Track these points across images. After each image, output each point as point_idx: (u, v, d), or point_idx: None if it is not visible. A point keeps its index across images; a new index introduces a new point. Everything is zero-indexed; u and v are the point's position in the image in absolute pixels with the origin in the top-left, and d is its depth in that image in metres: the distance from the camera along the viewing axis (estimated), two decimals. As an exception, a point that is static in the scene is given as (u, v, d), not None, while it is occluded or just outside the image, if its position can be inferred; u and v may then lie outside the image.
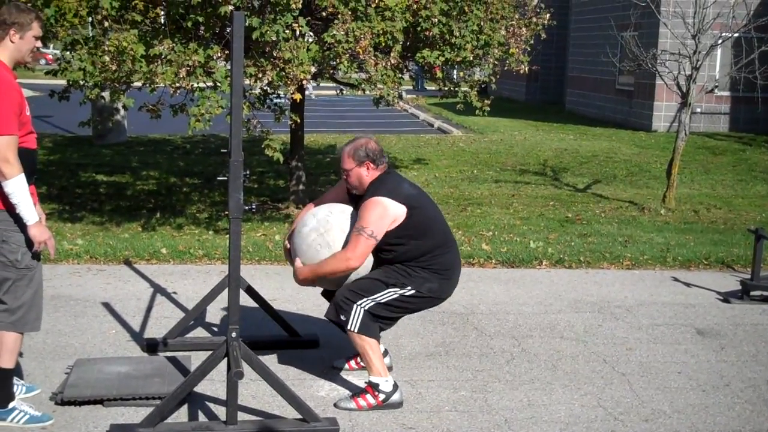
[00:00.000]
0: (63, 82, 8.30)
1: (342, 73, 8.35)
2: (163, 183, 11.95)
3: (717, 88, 18.21)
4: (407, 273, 4.71)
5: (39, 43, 4.34)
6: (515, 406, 4.77)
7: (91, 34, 8.40)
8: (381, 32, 7.81)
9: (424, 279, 4.72)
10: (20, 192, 4.10)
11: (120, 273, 7.29)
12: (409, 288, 4.70)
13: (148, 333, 5.78)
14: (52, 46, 24.69)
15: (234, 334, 4.17)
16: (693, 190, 12.57)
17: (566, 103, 27.12)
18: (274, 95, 9.40)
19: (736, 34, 11.69)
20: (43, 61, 42.47)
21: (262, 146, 8.06)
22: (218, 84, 7.73)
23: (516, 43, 8.92)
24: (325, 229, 4.69)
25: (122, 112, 15.93)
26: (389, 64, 7.92)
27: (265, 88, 8.79)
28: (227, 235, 4.86)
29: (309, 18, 8.18)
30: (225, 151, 4.40)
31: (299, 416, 4.32)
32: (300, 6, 7.51)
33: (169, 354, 5.29)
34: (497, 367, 5.35)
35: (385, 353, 5.13)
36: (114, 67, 7.55)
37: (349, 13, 7.78)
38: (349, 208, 4.83)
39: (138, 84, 8.00)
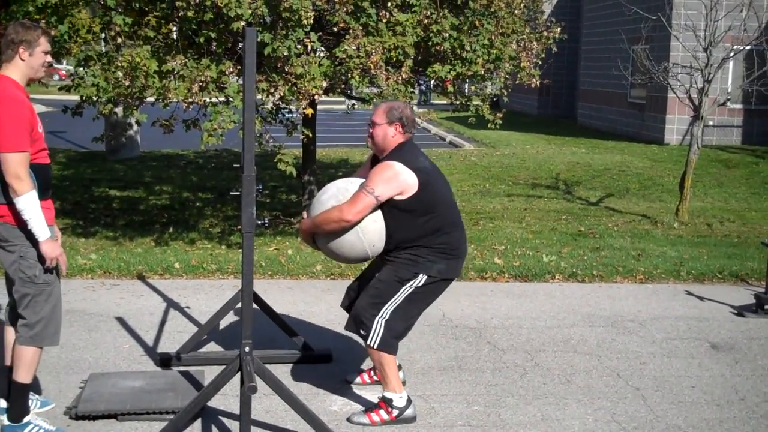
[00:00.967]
0: (76, 97, 8.35)
1: (354, 88, 8.37)
2: (175, 198, 11.99)
3: (729, 101, 18.18)
4: (414, 260, 4.65)
5: (49, 58, 4.39)
6: (529, 421, 4.75)
7: (104, 50, 8.46)
8: (392, 47, 7.84)
9: (432, 261, 4.66)
10: (31, 208, 4.14)
11: (133, 287, 7.31)
12: (421, 275, 4.65)
13: (161, 347, 5.79)
14: (65, 62, 24.86)
15: (247, 349, 4.18)
16: (706, 203, 12.53)
17: (578, 117, 27.10)
18: (286, 110, 9.43)
19: (748, 47, 11.69)
20: (56, 77, 42.74)
21: (275, 161, 8.08)
22: (230, 99, 7.77)
23: (527, 56, 8.91)
24: (344, 196, 4.66)
25: (135, 127, 16.01)
26: (401, 78, 7.94)
27: (277, 102, 8.81)
28: (240, 250, 4.88)
29: (320, 33, 8.21)
30: (237, 165, 4.42)
31: (313, 431, 4.31)
32: (311, 21, 7.54)
33: (182, 368, 5.29)
34: (510, 382, 5.34)
35: (399, 367, 5.12)
36: (127, 83, 7.59)
37: (361, 28, 7.81)
38: None
39: (151, 99, 8.04)
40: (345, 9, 7.75)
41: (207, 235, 9.38)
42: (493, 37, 8.45)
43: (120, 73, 7.59)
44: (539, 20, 10.20)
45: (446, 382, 5.30)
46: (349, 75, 7.87)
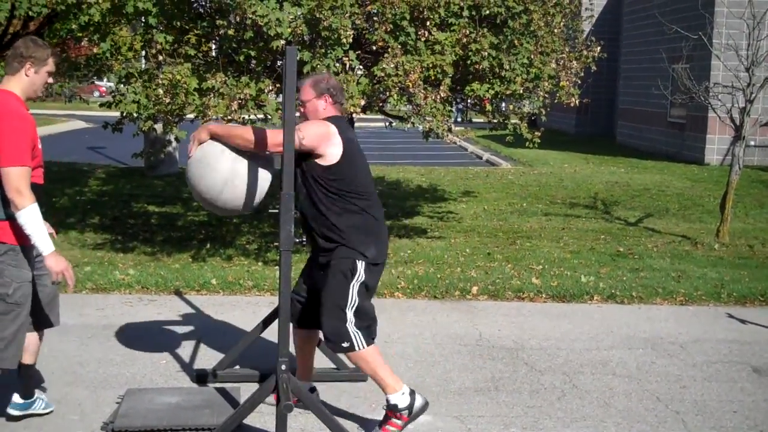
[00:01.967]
0: (117, 114, 8.44)
1: (391, 106, 8.38)
2: (213, 214, 12.05)
3: (771, 121, 17.95)
4: (346, 250, 4.58)
5: (51, 80, 4.44)
6: (566, 443, 4.69)
7: (145, 68, 8.56)
8: (431, 66, 7.84)
9: (363, 243, 4.59)
10: (33, 223, 4.16)
11: (170, 303, 7.35)
12: (359, 261, 4.57)
13: (197, 364, 5.80)
14: (106, 79, 25.20)
15: (284, 367, 4.17)
16: (747, 224, 12.35)
17: (617, 136, 26.93)
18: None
19: (791, 67, 11.53)
20: (96, 93, 43.38)
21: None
22: (269, 117, 7.80)
23: (566, 75, 8.87)
24: (235, 182, 4.57)
25: (174, 143, 16.15)
26: (439, 97, 7.94)
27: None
28: (276, 267, 4.88)
29: (359, 52, 8.23)
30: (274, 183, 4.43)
31: (348, 451, 4.29)
32: (350, 40, 7.56)
33: (218, 385, 5.29)
34: (548, 404, 5.27)
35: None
36: (167, 100, 7.67)
37: (399, 47, 7.82)
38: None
39: (190, 116, 8.11)
40: (384, 28, 7.78)
41: (244, 252, 9.42)
42: (532, 56, 8.43)
43: (160, 90, 7.67)
44: (578, 39, 10.15)
45: (483, 404, 5.25)
46: (388, 93, 7.88)
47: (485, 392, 5.45)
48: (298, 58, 7.15)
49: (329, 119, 4.66)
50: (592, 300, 7.85)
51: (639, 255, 9.86)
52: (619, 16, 27.99)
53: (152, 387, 5.29)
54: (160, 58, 8.02)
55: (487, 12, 8.17)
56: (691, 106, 18.76)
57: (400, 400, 4.60)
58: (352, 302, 4.59)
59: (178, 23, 8.02)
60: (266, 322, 5.45)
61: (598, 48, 9.31)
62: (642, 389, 5.58)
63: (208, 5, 8.58)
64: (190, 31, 8.03)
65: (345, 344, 4.59)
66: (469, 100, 9.19)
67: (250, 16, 7.30)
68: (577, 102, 9.10)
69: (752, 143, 19.33)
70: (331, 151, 4.54)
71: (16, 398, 4.66)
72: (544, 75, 8.59)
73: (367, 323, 4.67)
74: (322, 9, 7.34)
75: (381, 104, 8.90)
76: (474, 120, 34.73)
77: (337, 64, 7.70)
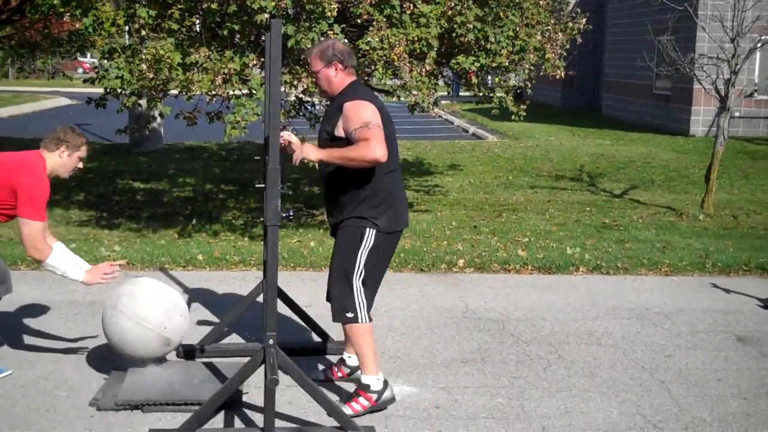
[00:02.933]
0: (100, 90, 8.39)
1: (377, 80, 8.35)
2: (199, 190, 12.03)
3: (756, 92, 17.99)
4: (358, 219, 4.57)
5: (81, 165, 5.02)
6: (552, 413, 4.73)
7: (128, 43, 8.49)
8: (416, 39, 7.81)
9: (376, 212, 4.58)
10: (60, 266, 4.77)
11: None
12: (369, 229, 4.58)
13: (184, 339, 5.79)
14: (89, 54, 24.99)
15: (271, 341, 4.18)
16: (732, 195, 12.42)
17: (603, 108, 26.95)
18: (309, 102, 9.43)
19: (776, 38, 11.54)
20: (80, 70, 43.04)
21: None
22: (254, 91, 7.77)
23: (552, 48, 8.86)
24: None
25: (159, 119, 16.06)
26: (424, 70, 7.92)
27: (300, 95, 8.82)
28: (262, 242, 4.89)
29: (344, 25, 8.19)
30: (259, 158, 4.42)
31: (337, 424, 4.32)
32: (335, 14, 7.52)
33: (220, 360, 5.29)
34: (534, 374, 5.31)
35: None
36: (151, 75, 7.62)
37: (384, 20, 7.79)
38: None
39: (174, 92, 8.07)
40: (369, 1, 7.74)
41: (230, 227, 9.41)
42: (517, 29, 8.42)
43: (144, 66, 7.62)
44: (564, 11, 10.14)
45: (469, 375, 5.29)
46: (373, 67, 7.85)
47: (471, 363, 5.48)
48: (282, 31, 7.11)
49: (354, 87, 4.63)
50: (577, 271, 7.89)
51: (624, 226, 9.90)
52: (604, -13, 27.92)
53: (155, 363, 5.29)
54: (144, 33, 7.96)
55: (472, -16, 8.14)
56: (676, 77, 18.75)
57: (374, 383, 4.63)
58: (359, 271, 4.60)
59: (161, -3, 7.97)
60: (251, 297, 5.46)
61: (584, 20, 9.31)
62: (627, 359, 5.63)
63: (191, -21, 8.51)
64: (174, 6, 7.96)
65: (350, 314, 4.61)
66: (454, 73, 9.16)
67: (234, -11, 7.26)
68: (562, 74, 9.10)
69: (737, 114, 19.38)
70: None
71: None
72: (530, 47, 8.58)
73: (370, 299, 4.69)
74: (306, -18, 7.30)
75: (366, 78, 8.86)
76: (460, 94, 34.68)
77: (322, 38, 7.66)
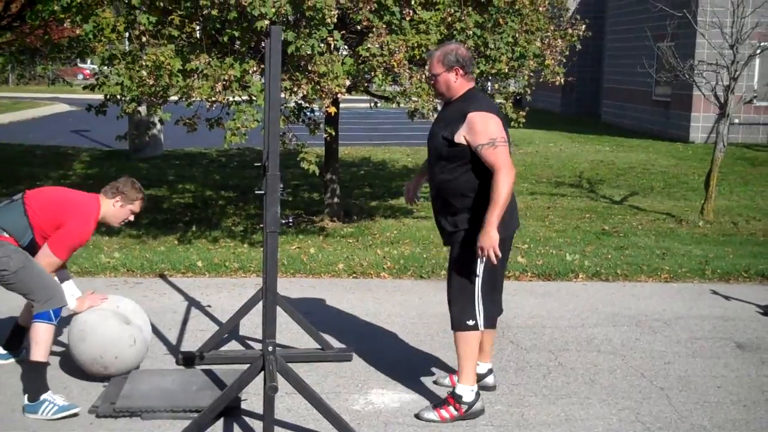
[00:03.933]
0: (100, 96, 8.40)
1: (376, 86, 8.36)
2: (198, 196, 12.03)
3: (756, 99, 18.02)
4: (472, 227, 4.56)
5: (132, 217, 5.18)
6: (552, 420, 4.72)
7: (128, 49, 8.50)
8: (415, 45, 7.82)
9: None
10: None
11: (156, 286, 7.34)
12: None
13: (184, 346, 5.80)
14: (90, 60, 25.03)
15: (270, 348, 4.18)
16: (732, 201, 12.42)
17: (602, 115, 26.97)
18: (309, 109, 9.44)
19: (775, 44, 11.56)
20: (80, 76, 43.08)
21: (298, 159, 8.09)
22: (254, 98, 7.78)
23: (551, 54, 8.87)
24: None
25: (159, 125, 16.10)
26: (424, 76, 7.92)
27: (299, 101, 8.83)
28: (262, 248, 4.89)
29: (344, 32, 8.20)
30: (259, 164, 4.42)
31: (335, 430, 4.31)
32: (335, 20, 7.53)
33: (220, 367, 5.29)
34: (534, 381, 5.31)
35: (491, 371, 5.08)
36: (151, 82, 7.63)
37: (384, 26, 7.79)
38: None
39: (174, 98, 8.07)
40: (369, 7, 7.74)
41: (230, 234, 9.41)
42: (517, 35, 8.42)
43: (144, 72, 7.63)
44: (563, 17, 10.15)
45: (469, 382, 5.27)
46: (373, 73, 7.86)
47: (471, 371, 5.46)
48: (282, 38, 7.12)
49: (475, 96, 4.64)
50: (577, 278, 7.89)
51: (624, 233, 9.90)
52: (604, -6, 27.97)
53: (155, 369, 5.29)
54: (144, 39, 7.96)
55: (472, -9, 8.15)
56: (675, 84, 18.80)
57: (468, 394, 4.65)
58: (478, 280, 4.61)
59: (162, 4, 7.96)
60: (251, 303, 5.45)
61: (583, 26, 9.31)
62: (627, 366, 5.62)
63: (191, -14, 8.53)
64: (174, 12, 7.97)
65: (470, 322, 4.63)
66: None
67: (234, -4, 7.26)
68: (562, 81, 9.10)
69: (736, 121, 19.40)
70: None
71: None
72: (529, 54, 8.58)
73: (489, 306, 4.72)
74: (306, -11, 7.30)
75: (366, 84, 8.88)
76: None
77: (322, 45, 7.67)
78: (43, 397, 4.61)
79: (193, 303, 6.82)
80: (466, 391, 4.65)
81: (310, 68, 7.67)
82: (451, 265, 4.73)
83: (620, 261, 8.32)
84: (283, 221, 4.29)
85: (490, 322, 4.80)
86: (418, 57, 7.92)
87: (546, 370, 5.51)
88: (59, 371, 5.25)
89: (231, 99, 7.90)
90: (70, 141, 19.23)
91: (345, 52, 8.58)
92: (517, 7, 8.47)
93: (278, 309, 4.94)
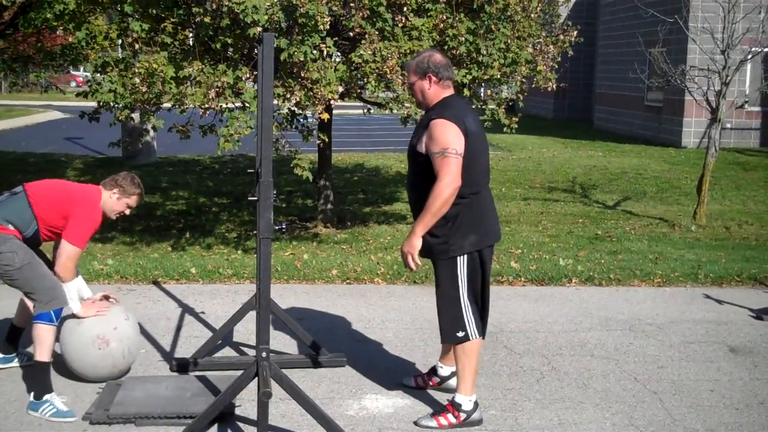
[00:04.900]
0: (93, 103, 8.39)
1: (369, 93, 8.37)
2: (192, 203, 12.03)
3: (747, 104, 18.08)
4: (445, 245, 4.56)
5: (127, 212, 5.22)
6: (546, 425, 4.73)
7: (121, 56, 8.50)
8: (408, 51, 7.84)
9: (462, 236, 4.55)
10: (70, 293, 4.95)
11: (150, 293, 7.34)
12: (458, 258, 4.57)
13: (178, 352, 5.80)
14: (82, 68, 25.02)
15: (264, 354, 4.18)
16: (724, 206, 12.46)
17: (594, 120, 27.03)
18: (302, 115, 9.46)
19: (766, 49, 11.61)
20: (73, 83, 43.05)
21: (291, 165, 8.10)
22: (247, 104, 7.79)
23: (543, 60, 8.90)
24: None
25: (152, 132, 16.08)
26: (415, 83, 7.93)
27: (293, 108, 8.84)
28: (256, 255, 4.90)
29: (336, 38, 8.22)
30: (252, 171, 4.43)
31: (329, 436, 4.32)
32: (327, 27, 7.55)
33: (214, 374, 5.29)
34: (527, 386, 5.32)
35: (454, 374, 5.06)
36: (144, 89, 7.63)
37: (377, 33, 7.82)
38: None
39: (167, 105, 8.07)
40: (361, 14, 7.77)
41: (223, 240, 9.41)
42: (509, 41, 8.45)
43: (137, 79, 7.63)
44: (555, 24, 10.18)
45: (463, 387, 5.28)
46: (365, 80, 7.88)
47: (465, 376, 5.47)
48: (275, 45, 7.14)
49: (445, 104, 4.61)
50: (570, 283, 7.91)
51: (617, 238, 9.93)
52: (596, 0, 28.06)
53: (150, 376, 5.29)
54: (137, 46, 7.97)
55: (464, -3, 8.19)
56: (667, 89, 18.86)
57: (466, 403, 4.67)
58: (463, 293, 4.62)
59: (154, 11, 7.98)
60: (244, 310, 5.46)
61: (575, 32, 9.34)
62: (620, 370, 5.64)
63: (183, -7, 8.54)
64: (166, 19, 7.98)
65: (460, 334, 4.64)
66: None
67: (227, 3, 7.28)
68: (554, 86, 9.14)
69: (728, 126, 19.49)
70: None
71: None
72: (521, 60, 8.61)
73: (480, 313, 4.73)
74: (299, -4, 7.32)
75: (359, 91, 8.90)
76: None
77: (315, 51, 7.69)
78: (46, 397, 4.70)
79: (186, 310, 6.82)
80: (465, 400, 4.67)
81: (302, 75, 7.68)
82: (436, 284, 4.74)
83: (613, 266, 8.34)
84: (277, 227, 4.28)
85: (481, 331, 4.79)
86: (410, 63, 7.93)
87: (539, 375, 5.52)
88: (53, 377, 5.24)
89: (224, 106, 7.91)
90: (63, 148, 19.21)
91: (338, 59, 8.60)
92: (509, 13, 8.50)
93: (272, 315, 4.95)
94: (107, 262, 8.14)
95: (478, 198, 4.63)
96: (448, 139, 4.42)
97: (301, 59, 7.53)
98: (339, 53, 8.54)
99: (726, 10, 10.71)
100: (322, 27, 7.46)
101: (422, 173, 4.55)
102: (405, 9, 7.99)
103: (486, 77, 8.46)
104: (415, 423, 4.69)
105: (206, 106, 7.60)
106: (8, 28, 13.17)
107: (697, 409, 5.01)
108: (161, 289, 7.45)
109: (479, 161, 4.62)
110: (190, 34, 8.37)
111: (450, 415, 4.66)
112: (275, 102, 7.83)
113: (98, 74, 8.33)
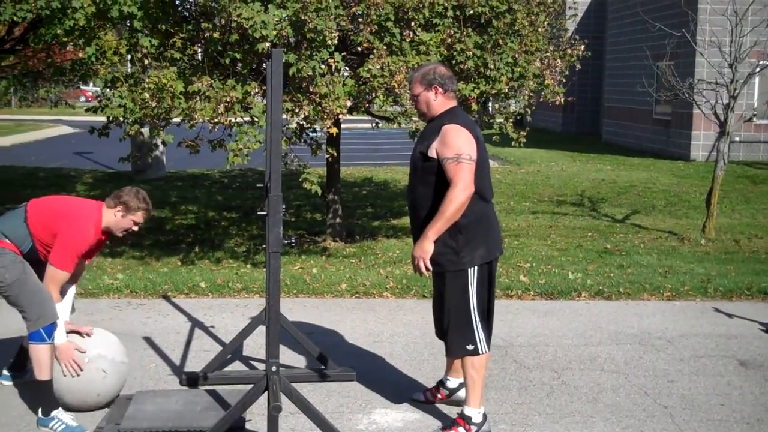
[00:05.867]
0: (103, 118, 8.44)
1: (377, 107, 8.39)
2: (201, 217, 12.06)
3: (756, 117, 18.06)
4: (455, 258, 4.58)
5: (135, 228, 5.05)
6: (556, 439, 4.72)
7: (130, 72, 8.55)
8: (416, 66, 7.86)
9: (472, 248, 4.57)
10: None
11: (159, 307, 7.35)
12: (468, 270, 4.59)
13: (187, 367, 5.81)
14: (92, 83, 25.15)
15: (274, 368, 4.18)
16: (733, 219, 12.43)
17: (603, 134, 27.02)
18: (311, 129, 9.48)
19: (774, 62, 11.61)
20: (83, 98, 43.25)
21: (300, 180, 8.12)
22: (256, 119, 7.82)
23: (551, 74, 8.92)
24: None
25: (161, 147, 16.14)
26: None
27: (301, 122, 8.87)
28: (265, 269, 4.91)
29: (344, 53, 8.25)
30: (261, 185, 4.44)
31: (338, 450, 4.31)
32: (336, 42, 7.58)
33: (225, 387, 5.29)
34: (537, 401, 5.31)
35: (462, 385, 5.06)
36: (153, 104, 7.67)
37: (384, 48, 7.84)
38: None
39: (177, 120, 8.10)
40: (369, 29, 7.80)
41: (232, 255, 9.43)
42: (516, 55, 8.47)
43: (146, 94, 7.67)
44: (563, 38, 10.20)
45: (472, 401, 5.27)
46: (374, 94, 7.90)
47: (475, 390, 5.46)
48: (283, 60, 7.17)
49: (453, 112, 4.64)
50: (579, 297, 7.90)
51: (626, 251, 9.91)
52: (603, 14, 28.10)
53: (161, 390, 5.29)
54: (146, 61, 8.02)
55: (472, 12, 8.22)
56: (675, 103, 18.86)
57: (476, 416, 4.67)
58: (473, 307, 4.63)
59: (164, 27, 8.02)
60: (254, 324, 5.46)
61: (582, 46, 9.36)
62: (630, 384, 5.62)
63: (193, 8, 8.59)
64: (176, 35, 8.03)
65: (470, 347, 4.65)
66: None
67: (236, 18, 7.31)
68: (562, 100, 9.14)
69: (737, 139, 19.45)
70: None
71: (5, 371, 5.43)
72: (529, 74, 8.62)
73: (489, 326, 4.75)
74: (307, 11, 7.36)
75: (367, 105, 8.92)
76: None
77: (323, 66, 7.72)
78: (53, 413, 4.71)
79: (196, 324, 6.83)
80: (474, 413, 4.67)
81: (311, 89, 7.71)
82: (443, 292, 4.73)
83: (623, 279, 8.33)
84: (286, 242, 4.29)
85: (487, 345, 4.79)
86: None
87: (549, 389, 5.51)
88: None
89: (233, 120, 7.94)
90: (72, 163, 19.29)
91: (346, 74, 8.63)
92: (516, 27, 8.52)
93: (281, 329, 4.96)
94: (117, 276, 8.16)
95: (487, 209, 4.66)
96: (462, 144, 4.45)
97: (310, 74, 7.56)
98: (347, 68, 8.57)
99: (733, 24, 10.72)
100: (330, 42, 7.50)
101: (426, 177, 4.58)
102: (413, 24, 8.02)
103: (494, 91, 8.47)
104: None
105: (215, 120, 7.64)
106: (18, 43, 13.25)
107: (707, 423, 4.99)
108: (171, 303, 7.46)
109: (487, 172, 4.66)
110: (199, 50, 8.41)
111: (461, 428, 4.66)
112: (284, 116, 7.86)
113: (108, 89, 8.37)
